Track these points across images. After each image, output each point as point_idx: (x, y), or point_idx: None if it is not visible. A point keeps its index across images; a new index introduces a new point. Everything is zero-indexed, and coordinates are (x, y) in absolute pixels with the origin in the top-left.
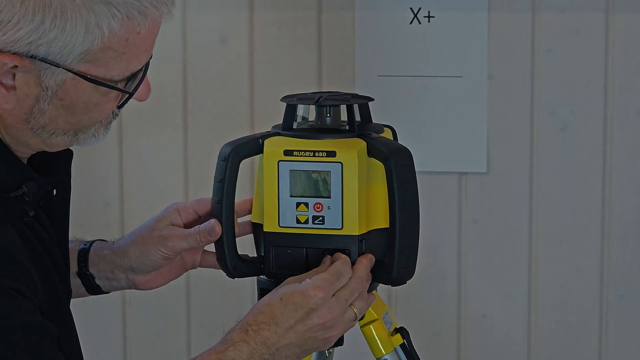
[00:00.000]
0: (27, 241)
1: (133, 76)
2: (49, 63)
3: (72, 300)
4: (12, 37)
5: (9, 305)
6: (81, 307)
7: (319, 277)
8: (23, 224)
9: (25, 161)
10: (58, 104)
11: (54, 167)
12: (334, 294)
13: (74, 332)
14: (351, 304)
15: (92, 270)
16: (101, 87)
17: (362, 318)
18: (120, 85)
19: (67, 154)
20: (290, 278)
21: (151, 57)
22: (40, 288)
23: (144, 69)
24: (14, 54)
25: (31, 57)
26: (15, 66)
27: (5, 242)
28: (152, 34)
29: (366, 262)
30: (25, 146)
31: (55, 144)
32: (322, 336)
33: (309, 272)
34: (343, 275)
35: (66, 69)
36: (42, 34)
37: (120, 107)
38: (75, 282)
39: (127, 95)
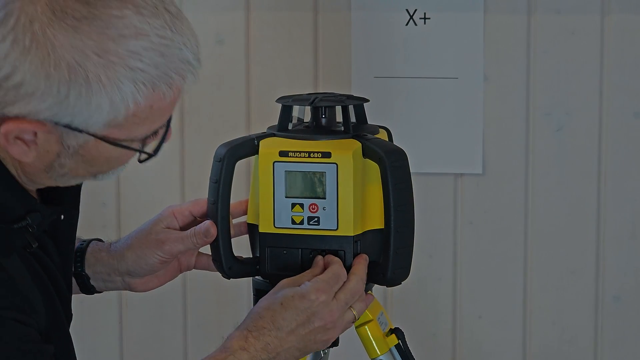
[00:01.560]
0: (31, 269)
1: (154, 133)
2: (72, 129)
3: None
4: (36, 108)
5: (9, 335)
6: (78, 308)
7: (320, 280)
8: (28, 252)
9: (33, 191)
10: (79, 159)
11: (64, 194)
12: (334, 297)
13: (72, 354)
14: (351, 306)
15: (88, 271)
16: (123, 149)
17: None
18: (136, 145)
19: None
20: (284, 280)
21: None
22: (43, 314)
23: (166, 124)
24: (37, 120)
25: (54, 123)
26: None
27: (10, 272)
28: (177, 96)
29: (364, 263)
30: (39, 184)
31: (72, 183)
32: (322, 338)
33: (303, 273)
34: (341, 277)
35: (89, 134)
36: (66, 107)
37: (142, 162)
38: None
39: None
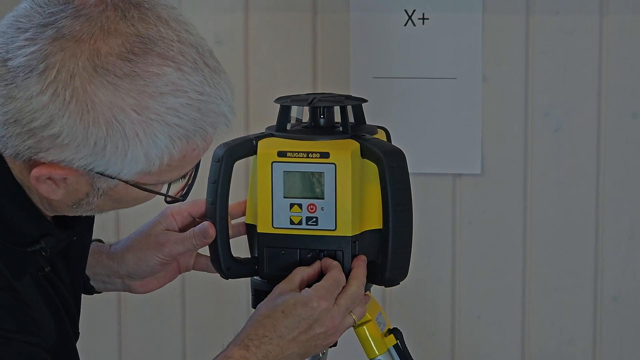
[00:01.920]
0: (43, 291)
1: (183, 176)
2: (105, 176)
3: None
4: (70, 157)
5: (17, 358)
6: None
7: (320, 287)
8: (39, 274)
9: (49, 216)
10: (107, 199)
11: (78, 218)
12: (335, 302)
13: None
14: (350, 310)
15: (88, 272)
16: (152, 193)
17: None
18: (163, 188)
19: None
20: (280, 285)
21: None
22: (54, 334)
23: (194, 168)
24: (70, 167)
25: (88, 170)
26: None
27: (20, 296)
28: (208, 147)
29: (363, 265)
30: (60, 213)
31: (95, 214)
32: (322, 343)
33: (295, 270)
34: (341, 283)
35: (120, 181)
36: (101, 158)
37: (169, 203)
38: None
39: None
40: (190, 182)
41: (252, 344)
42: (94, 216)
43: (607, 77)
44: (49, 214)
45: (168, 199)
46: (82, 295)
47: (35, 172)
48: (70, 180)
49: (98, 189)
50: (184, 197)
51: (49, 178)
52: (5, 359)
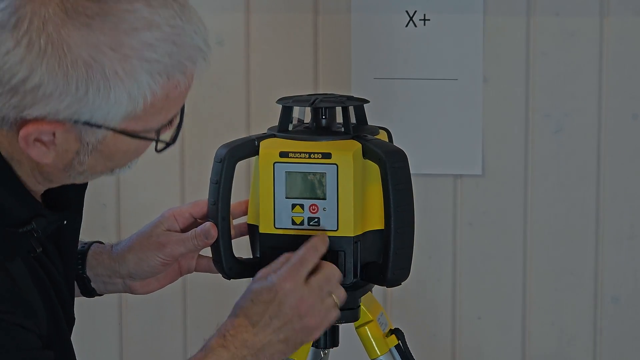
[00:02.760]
0: (34, 274)
1: (170, 122)
2: (91, 125)
3: None
4: (54, 108)
5: (11, 341)
6: (77, 309)
7: (284, 268)
8: (31, 256)
9: (39, 195)
10: (97, 155)
11: (67, 195)
12: (306, 282)
13: (70, 351)
14: (330, 291)
15: (89, 273)
16: (141, 140)
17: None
18: (152, 135)
19: (82, 186)
20: (260, 271)
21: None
22: (44, 319)
23: (180, 113)
24: (57, 121)
25: (74, 121)
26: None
27: (13, 277)
28: (190, 84)
29: (315, 239)
30: (55, 183)
31: (89, 180)
32: (300, 326)
33: (278, 258)
34: (307, 260)
35: (108, 129)
36: (85, 104)
37: (159, 151)
38: None
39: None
40: (177, 127)
41: (228, 334)
42: (83, 199)
43: (608, 78)
44: (42, 187)
45: (158, 146)
46: (84, 297)
47: (23, 132)
48: (59, 138)
49: (87, 143)
50: (173, 140)
51: (38, 140)
52: None
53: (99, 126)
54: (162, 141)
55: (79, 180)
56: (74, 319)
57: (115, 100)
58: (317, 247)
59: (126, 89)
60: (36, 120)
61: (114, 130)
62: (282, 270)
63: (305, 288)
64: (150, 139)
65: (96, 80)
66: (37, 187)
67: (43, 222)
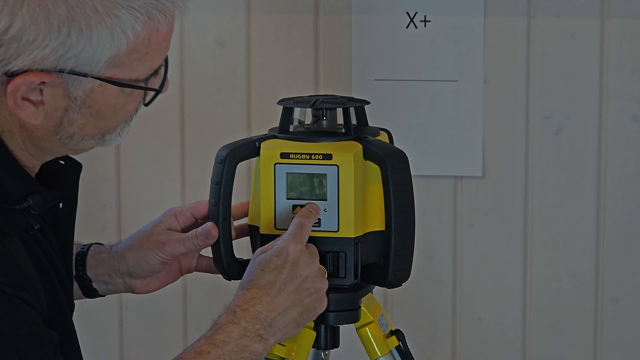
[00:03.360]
0: (33, 253)
1: (155, 72)
2: (77, 74)
3: None
4: (38, 56)
5: (12, 313)
6: (78, 309)
7: (286, 234)
8: (29, 236)
9: (34, 173)
10: (86, 112)
11: (63, 180)
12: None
13: (75, 344)
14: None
15: (90, 274)
16: (127, 88)
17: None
18: (143, 84)
19: (77, 167)
20: (257, 250)
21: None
22: (44, 299)
23: (164, 64)
24: (42, 71)
25: (59, 71)
26: (43, 82)
27: (11, 252)
28: (171, 30)
29: (307, 206)
30: (49, 154)
31: (82, 149)
32: (314, 287)
33: (276, 239)
34: (305, 225)
35: (94, 77)
36: (69, 48)
37: (147, 104)
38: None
39: (154, 92)
40: (163, 78)
41: (239, 309)
42: (78, 180)
43: (608, 80)
44: (36, 161)
45: (147, 98)
46: (82, 297)
47: (10, 87)
48: (47, 95)
49: (75, 98)
50: (160, 88)
51: (26, 99)
52: None
53: (84, 75)
54: (150, 89)
55: (71, 146)
56: (74, 304)
57: (98, 41)
58: (307, 214)
59: (107, 27)
60: (22, 73)
61: (100, 78)
62: (284, 237)
63: (308, 250)
64: (138, 87)
65: (77, 20)
66: (31, 161)
67: (39, 199)
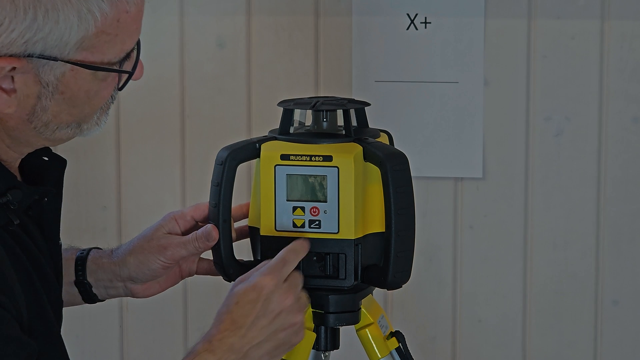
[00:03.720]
0: (10, 251)
1: (127, 56)
2: (47, 58)
3: (68, 308)
4: (6, 40)
5: None
6: (78, 312)
7: (265, 267)
8: (7, 232)
9: (15, 167)
10: (60, 98)
11: (46, 175)
12: (285, 280)
13: (57, 344)
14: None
15: (90, 279)
16: (100, 72)
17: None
18: (116, 67)
19: (61, 163)
20: (239, 278)
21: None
22: (23, 299)
23: (136, 47)
24: (11, 56)
25: (28, 56)
26: (14, 68)
27: None
28: (140, 11)
29: (297, 242)
30: (26, 145)
31: (59, 139)
32: (287, 322)
33: (256, 267)
34: (289, 262)
35: (64, 61)
36: (36, 31)
37: (120, 88)
38: (71, 291)
39: (127, 75)
40: (135, 60)
41: (215, 339)
42: (62, 176)
43: (608, 81)
44: (14, 153)
45: (120, 81)
46: (82, 303)
47: None
48: (18, 82)
49: (47, 84)
50: (133, 70)
51: None
52: None
53: (54, 58)
54: (121, 71)
55: (47, 135)
56: (62, 301)
57: (65, 23)
58: (297, 250)
59: (74, 7)
60: None
61: (70, 62)
62: (263, 270)
63: (286, 285)
64: (109, 70)
65: (43, 2)
66: (9, 154)
67: (19, 194)
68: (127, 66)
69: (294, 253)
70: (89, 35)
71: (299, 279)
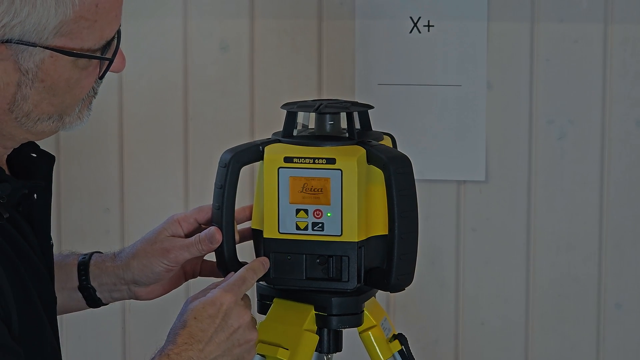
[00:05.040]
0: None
1: (108, 44)
2: (25, 44)
3: (71, 313)
4: None
5: None
6: (81, 314)
7: (224, 284)
8: None
9: (2, 162)
10: (40, 87)
11: (34, 171)
12: (242, 298)
13: (48, 341)
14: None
15: (94, 283)
16: (80, 60)
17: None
18: (97, 54)
19: (49, 159)
20: (191, 296)
21: (120, 26)
22: (11, 297)
23: (116, 36)
24: None
25: (6, 41)
26: None
27: None
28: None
29: (256, 262)
30: (9, 139)
31: (41, 131)
32: (244, 339)
33: (209, 285)
34: (247, 280)
35: (43, 47)
36: (13, 15)
37: (101, 77)
38: (75, 296)
39: (107, 63)
40: (115, 49)
41: (172, 353)
42: (51, 171)
43: (611, 85)
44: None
45: (101, 68)
46: (86, 307)
47: None
48: None
49: (27, 71)
50: (113, 57)
51: None
52: None
53: (33, 44)
54: (100, 57)
55: (28, 127)
56: (55, 298)
57: (43, 6)
58: (256, 270)
59: None
60: None
61: (49, 48)
62: (222, 286)
63: (242, 302)
64: (88, 57)
65: None
66: None
67: (7, 187)
68: (108, 54)
69: (252, 272)
70: (67, 20)
71: (249, 300)
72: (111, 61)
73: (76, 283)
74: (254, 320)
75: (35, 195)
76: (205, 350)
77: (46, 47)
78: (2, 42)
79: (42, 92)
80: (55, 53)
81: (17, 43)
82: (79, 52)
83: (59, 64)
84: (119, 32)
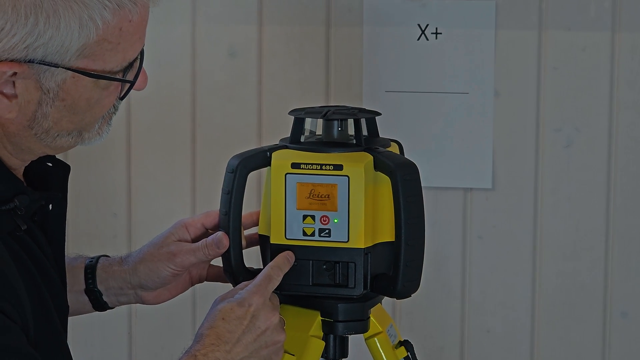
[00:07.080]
0: (16, 257)
1: (130, 65)
2: (48, 64)
3: (77, 317)
4: (7, 45)
5: None
6: (87, 319)
7: (251, 284)
8: (13, 238)
9: (20, 174)
10: (60, 105)
11: (50, 181)
12: (270, 299)
13: (63, 351)
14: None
15: (100, 287)
16: (101, 81)
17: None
18: (119, 76)
19: (64, 169)
20: (219, 296)
21: (144, 46)
22: (29, 306)
23: (139, 57)
24: (12, 61)
25: (29, 61)
26: (15, 73)
27: None
28: (144, 21)
29: (280, 258)
30: (27, 153)
31: (60, 146)
32: (271, 340)
33: (238, 285)
34: (274, 278)
35: (65, 68)
36: (37, 36)
37: (122, 98)
38: (81, 299)
39: (129, 85)
40: (138, 70)
41: (199, 354)
42: (66, 182)
43: (619, 93)
44: (17, 161)
45: (122, 90)
46: (92, 310)
47: None
48: (19, 87)
49: (48, 90)
50: (135, 80)
51: None
52: None
53: (55, 65)
54: (122, 80)
55: (47, 142)
56: (68, 307)
57: (67, 29)
58: (281, 266)
59: (75, 14)
60: None
61: (71, 69)
62: (249, 287)
63: (271, 303)
64: (109, 79)
65: (45, 8)
66: (12, 160)
67: (25, 199)
68: (130, 76)
69: (277, 269)
70: (90, 43)
71: (277, 299)
72: (133, 83)
73: (83, 286)
74: (282, 321)
75: (50, 206)
76: (233, 352)
77: (68, 69)
78: (25, 62)
79: (62, 110)
80: (77, 74)
81: (40, 63)
82: (101, 73)
83: (80, 84)
84: (142, 53)
